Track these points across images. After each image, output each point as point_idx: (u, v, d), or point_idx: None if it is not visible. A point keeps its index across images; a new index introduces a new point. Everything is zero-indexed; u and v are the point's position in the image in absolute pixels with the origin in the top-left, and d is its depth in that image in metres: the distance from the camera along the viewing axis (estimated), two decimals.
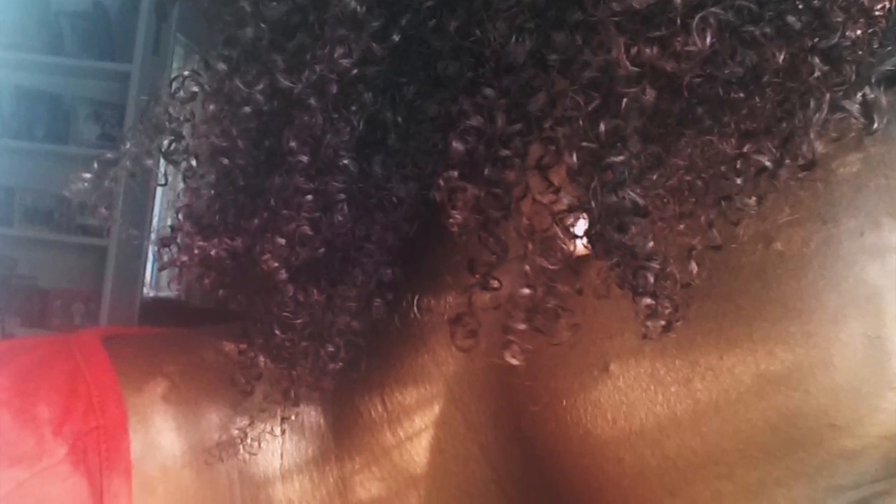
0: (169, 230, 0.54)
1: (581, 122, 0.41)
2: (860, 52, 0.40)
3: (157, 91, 0.54)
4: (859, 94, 0.42)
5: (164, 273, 0.54)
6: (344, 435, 0.56)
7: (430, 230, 0.50)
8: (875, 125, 0.42)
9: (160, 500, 0.56)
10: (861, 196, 0.43)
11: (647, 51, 0.39)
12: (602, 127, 0.40)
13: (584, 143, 0.41)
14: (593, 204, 0.42)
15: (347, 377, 0.54)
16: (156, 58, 4.85)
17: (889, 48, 0.42)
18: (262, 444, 0.56)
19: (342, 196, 0.47)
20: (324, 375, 0.52)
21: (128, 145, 0.53)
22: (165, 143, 0.53)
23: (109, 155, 0.53)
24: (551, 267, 0.44)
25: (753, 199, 0.42)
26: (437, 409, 0.54)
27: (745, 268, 0.44)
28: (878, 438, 0.44)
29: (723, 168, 0.42)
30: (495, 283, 0.46)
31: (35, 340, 0.64)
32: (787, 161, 0.41)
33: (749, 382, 0.44)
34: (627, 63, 0.39)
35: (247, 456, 0.56)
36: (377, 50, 0.46)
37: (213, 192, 0.52)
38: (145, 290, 5.27)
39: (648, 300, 0.43)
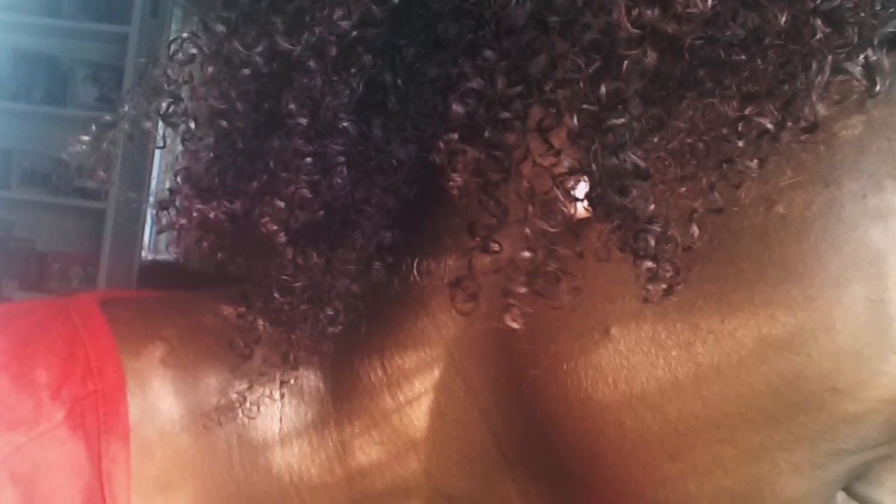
0: (167, 193, 0.53)
1: (582, 85, 0.41)
2: (862, 14, 0.40)
3: (156, 53, 0.53)
4: (862, 57, 0.41)
5: (163, 236, 0.54)
6: (343, 399, 0.56)
7: (430, 193, 0.49)
8: (877, 87, 0.42)
9: (158, 465, 0.56)
10: (863, 159, 0.43)
11: (649, 12, 0.39)
12: (603, 89, 0.40)
13: (585, 106, 0.41)
14: (594, 166, 0.41)
15: (347, 341, 0.54)
16: (154, 20, 4.83)
17: (892, 10, 0.42)
18: (261, 409, 0.56)
19: (341, 158, 0.47)
20: (323, 339, 0.52)
21: (126, 108, 0.53)
22: (164, 105, 0.53)
23: (108, 117, 0.53)
24: (552, 230, 0.44)
25: (755, 161, 0.42)
26: (437, 372, 0.54)
27: (746, 231, 0.44)
28: (881, 402, 0.44)
29: (724, 130, 0.42)
30: (496, 246, 0.46)
31: (33, 304, 0.64)
32: (789, 123, 0.41)
33: (751, 346, 0.44)
34: (628, 25, 0.39)
35: (245, 420, 0.56)
36: (377, 11, 0.45)
37: (211, 154, 0.51)
38: (144, 254, 5.26)
39: (649, 263, 0.43)
